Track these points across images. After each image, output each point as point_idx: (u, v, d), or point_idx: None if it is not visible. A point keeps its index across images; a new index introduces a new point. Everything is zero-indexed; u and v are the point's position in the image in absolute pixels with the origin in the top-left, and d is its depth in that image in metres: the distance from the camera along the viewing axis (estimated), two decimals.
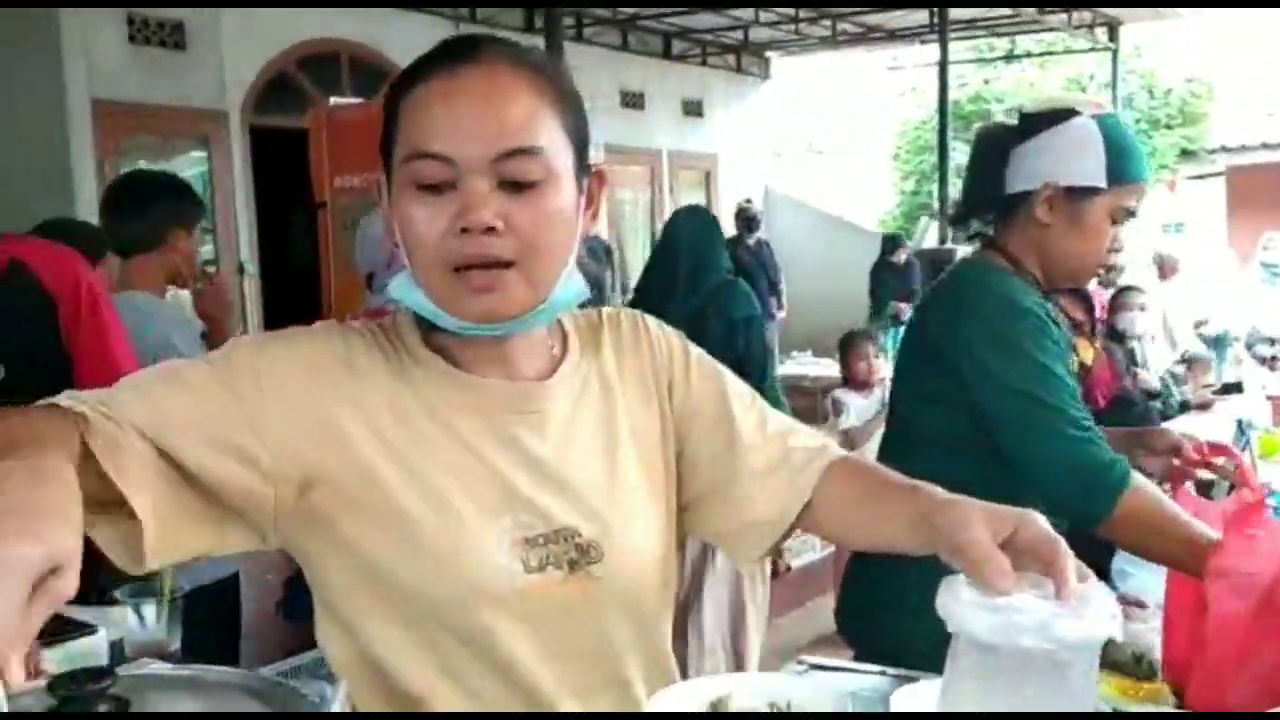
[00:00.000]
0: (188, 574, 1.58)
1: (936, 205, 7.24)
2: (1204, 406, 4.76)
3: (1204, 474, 1.81)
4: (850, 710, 0.89)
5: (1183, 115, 15.84)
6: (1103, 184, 1.63)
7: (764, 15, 9.99)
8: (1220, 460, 1.72)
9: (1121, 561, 1.76)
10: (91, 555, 0.84)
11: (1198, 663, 1.23)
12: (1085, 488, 1.54)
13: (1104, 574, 1.72)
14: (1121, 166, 1.64)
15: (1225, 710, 1.18)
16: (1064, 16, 10.43)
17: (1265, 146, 13.39)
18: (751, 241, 8.49)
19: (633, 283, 10.13)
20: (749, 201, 8.93)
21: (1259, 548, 1.23)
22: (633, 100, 10.39)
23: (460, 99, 0.93)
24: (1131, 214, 1.69)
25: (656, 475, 1.09)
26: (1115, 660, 1.31)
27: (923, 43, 11.26)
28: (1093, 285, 4.18)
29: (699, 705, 0.93)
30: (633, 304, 3.52)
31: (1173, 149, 15.31)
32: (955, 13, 9.60)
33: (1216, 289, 7.95)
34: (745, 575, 3.29)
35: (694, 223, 3.55)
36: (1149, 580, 1.63)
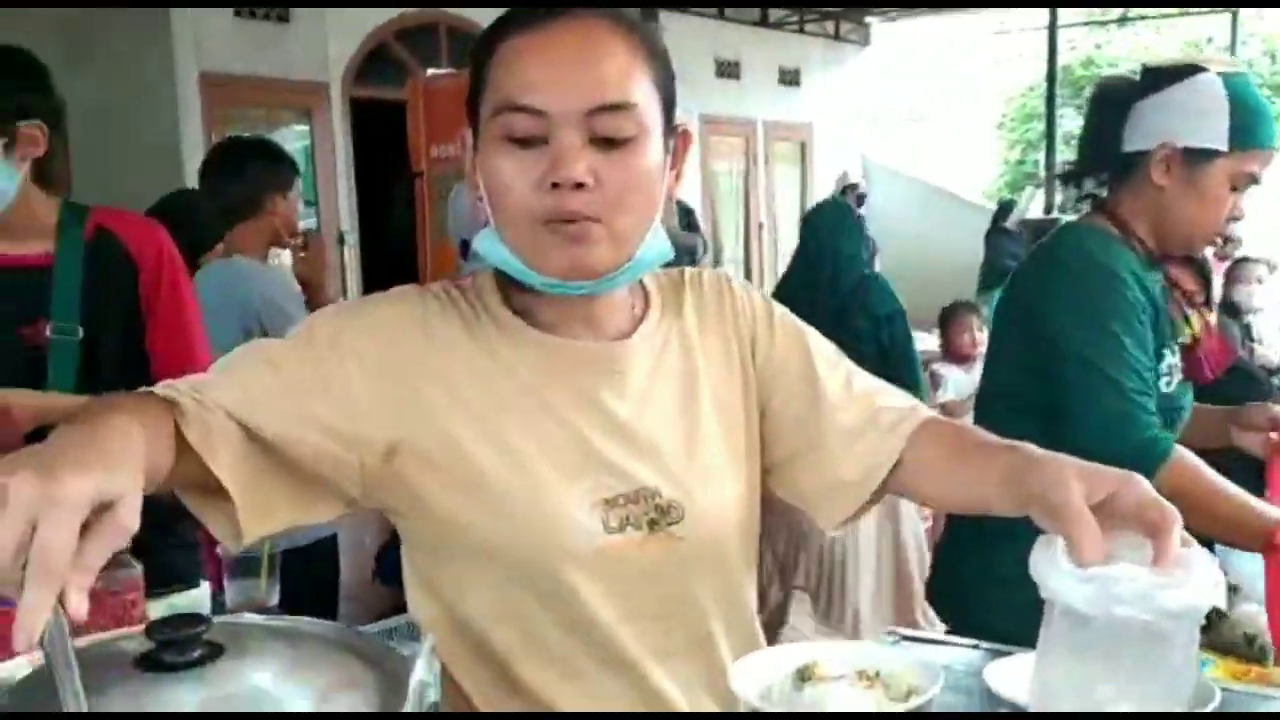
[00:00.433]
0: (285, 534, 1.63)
1: (1043, 175, 7.00)
2: None
3: None
4: (941, 682, 0.87)
5: None
6: (1224, 147, 1.55)
7: None
8: None
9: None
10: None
11: None
12: (1123, 461, 1.52)
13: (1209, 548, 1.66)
14: (1247, 130, 1.56)
15: None
16: None
17: None
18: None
19: (726, 254, 10.10)
20: (852, 178, 8.80)
21: None
22: (728, 69, 10.28)
23: (553, 52, 0.93)
24: (1255, 181, 1.60)
25: (738, 435, 1.08)
26: (1227, 641, 1.26)
27: (1031, 5, 10.87)
28: (1209, 255, 3.99)
29: (783, 673, 0.92)
30: (778, 297, 3.54)
31: None
32: None
33: None
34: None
35: (831, 220, 3.61)
36: (1245, 563, 1.57)
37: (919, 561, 3.48)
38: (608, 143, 0.93)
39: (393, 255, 7.12)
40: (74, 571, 0.61)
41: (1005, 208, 8.47)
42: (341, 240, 6.88)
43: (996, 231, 8.27)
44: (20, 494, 0.61)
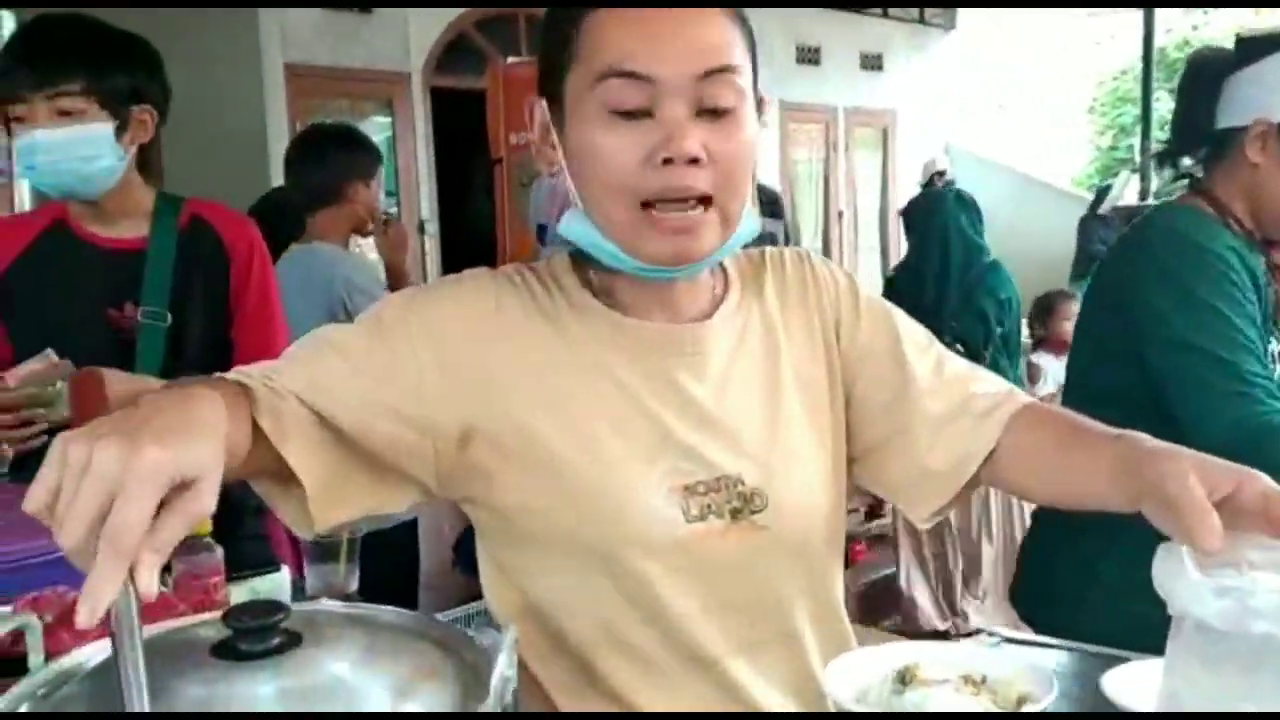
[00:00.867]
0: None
1: (1138, 160, 6.76)
2: None
3: None
4: (1056, 691, 0.81)
5: None
6: None
7: None
8: None
9: None
10: None
11: None
12: (1252, 451, 1.42)
13: None
14: None
15: None
16: None
17: None
18: None
19: (804, 243, 9.97)
20: (939, 165, 8.62)
21: None
22: (809, 55, 10.12)
23: (656, 15, 0.88)
24: None
25: (823, 420, 1.03)
26: None
27: None
28: None
29: (881, 675, 0.87)
30: (903, 283, 3.98)
31: None
32: None
33: None
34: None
35: (962, 210, 3.86)
36: None
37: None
38: (713, 114, 0.89)
39: (472, 244, 7.16)
40: (146, 550, 0.58)
41: (1102, 193, 8.23)
42: (422, 229, 6.93)
43: (1091, 218, 8.03)
44: (103, 463, 0.59)
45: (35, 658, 0.99)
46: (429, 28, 7.23)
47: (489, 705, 0.66)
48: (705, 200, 0.89)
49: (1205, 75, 1.60)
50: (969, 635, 3.95)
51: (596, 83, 0.88)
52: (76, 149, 1.62)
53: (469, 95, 6.49)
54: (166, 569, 0.98)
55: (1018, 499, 3.83)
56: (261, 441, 0.82)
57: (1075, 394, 1.71)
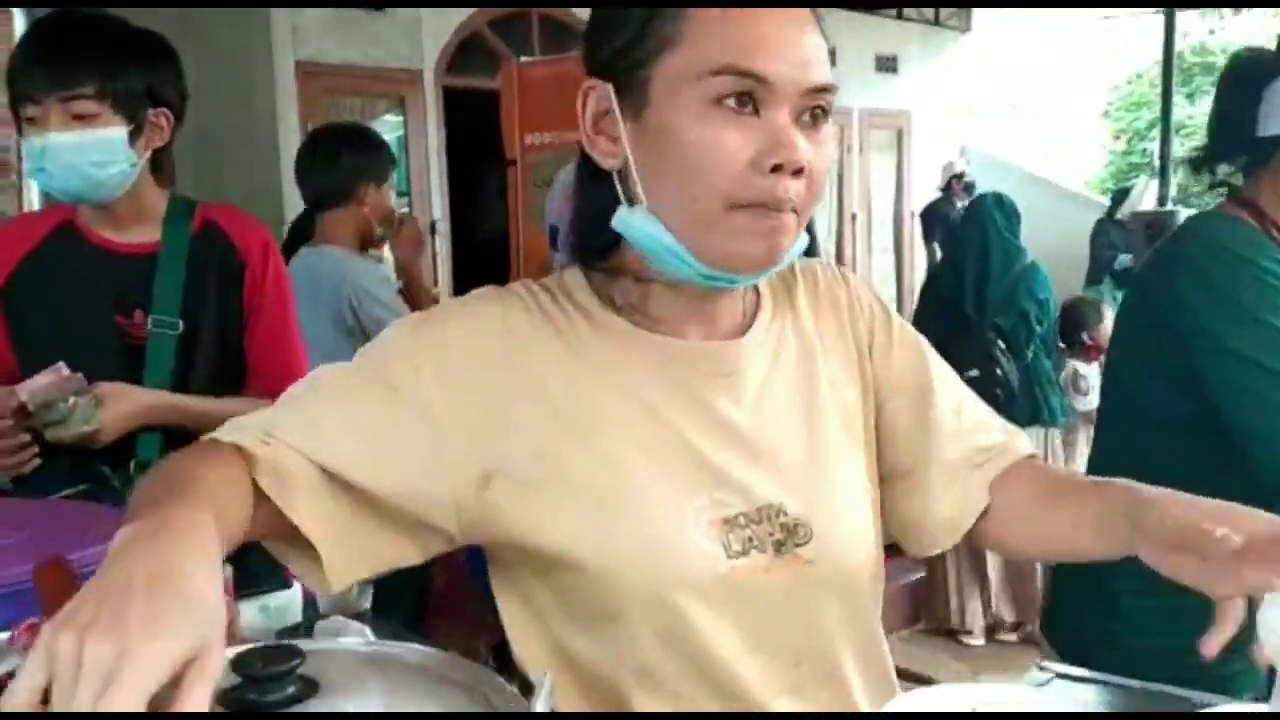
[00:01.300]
0: None
1: (1158, 164, 6.69)
2: None
3: None
4: None
5: None
6: None
7: None
8: None
9: None
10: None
11: None
12: None
13: None
14: None
15: None
16: None
17: None
18: (960, 205, 8.18)
19: (818, 245, 9.90)
20: (966, 164, 8.62)
21: None
22: None
23: (771, 16, 0.82)
24: None
25: (858, 443, 0.98)
26: None
27: None
28: None
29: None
30: (944, 283, 4.07)
31: None
32: None
33: None
34: None
35: (1000, 213, 3.93)
36: None
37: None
38: (813, 123, 0.84)
39: (484, 245, 7.11)
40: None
41: (1118, 197, 8.16)
42: (433, 230, 6.88)
43: (1107, 222, 7.96)
44: (96, 662, 0.54)
45: None
46: (442, 26, 7.18)
47: None
48: (794, 212, 0.84)
49: (1247, 79, 1.54)
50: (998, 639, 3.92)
51: (708, 76, 0.81)
52: (89, 154, 1.57)
53: (482, 95, 6.44)
54: None
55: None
56: (265, 502, 0.77)
57: (1118, 414, 1.65)
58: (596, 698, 0.89)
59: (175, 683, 0.56)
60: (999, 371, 3.78)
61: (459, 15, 7.24)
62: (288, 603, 1.53)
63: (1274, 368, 1.37)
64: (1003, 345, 3.78)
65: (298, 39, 6.49)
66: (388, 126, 7.02)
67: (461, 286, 7.27)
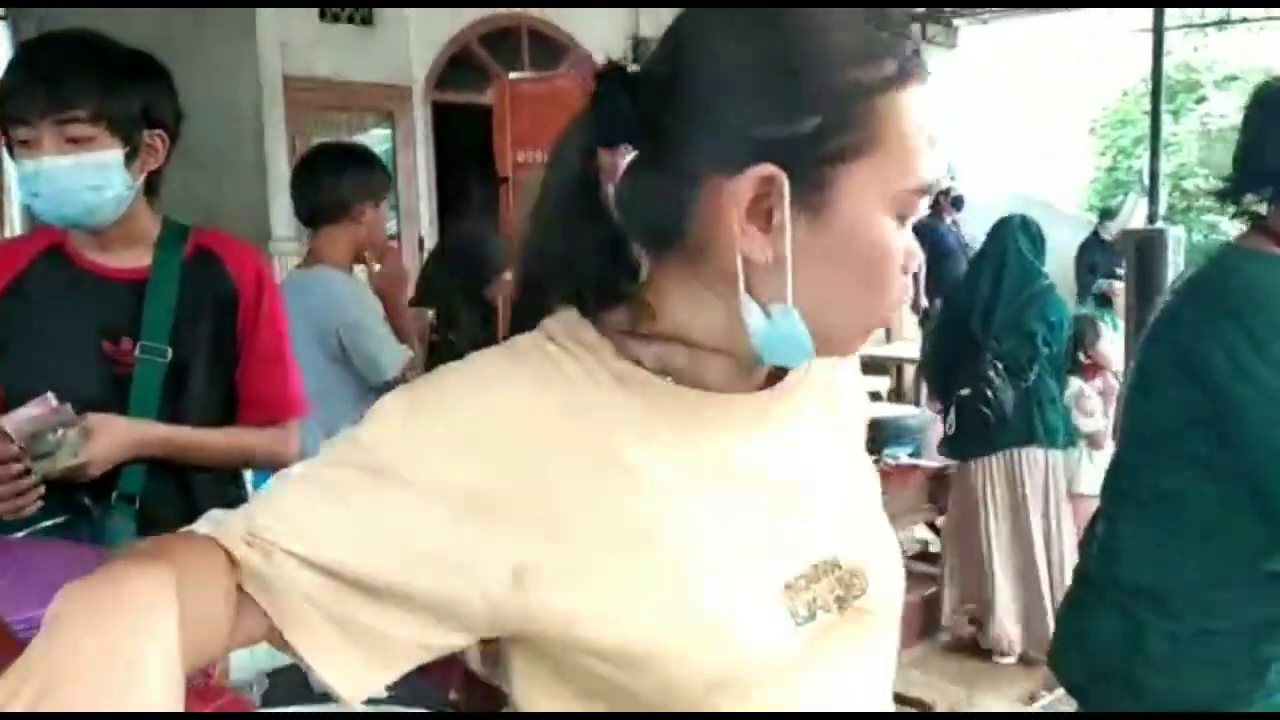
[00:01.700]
0: None
1: (1147, 181, 6.68)
2: None
3: None
4: None
5: None
6: None
7: None
8: None
9: None
10: None
11: None
12: None
13: None
14: None
15: None
16: None
17: None
18: (949, 220, 8.20)
19: None
20: (952, 180, 8.62)
21: None
22: None
23: (933, 120, 0.76)
24: None
25: (874, 474, 0.94)
26: None
27: (1127, 5, 10.46)
28: None
29: None
30: (956, 301, 4.09)
31: None
32: None
33: None
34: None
35: (1024, 235, 3.95)
36: None
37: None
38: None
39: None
40: None
41: (1105, 215, 8.17)
42: (421, 246, 6.83)
43: (1092, 242, 7.97)
44: None
45: None
46: (431, 41, 7.14)
47: None
48: None
49: (1273, 107, 1.53)
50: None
51: (912, 194, 0.75)
52: (85, 178, 1.51)
53: (471, 109, 6.40)
54: None
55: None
56: (252, 608, 0.69)
57: (1141, 450, 1.62)
58: None
59: None
60: (989, 392, 3.76)
61: (448, 30, 7.20)
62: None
63: None
64: (1000, 366, 3.76)
65: (286, 53, 6.43)
66: (375, 141, 6.96)
67: None
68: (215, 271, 1.66)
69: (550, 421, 0.75)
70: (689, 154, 0.74)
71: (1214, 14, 12.67)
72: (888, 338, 10.00)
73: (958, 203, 8.29)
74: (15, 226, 3.33)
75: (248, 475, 1.82)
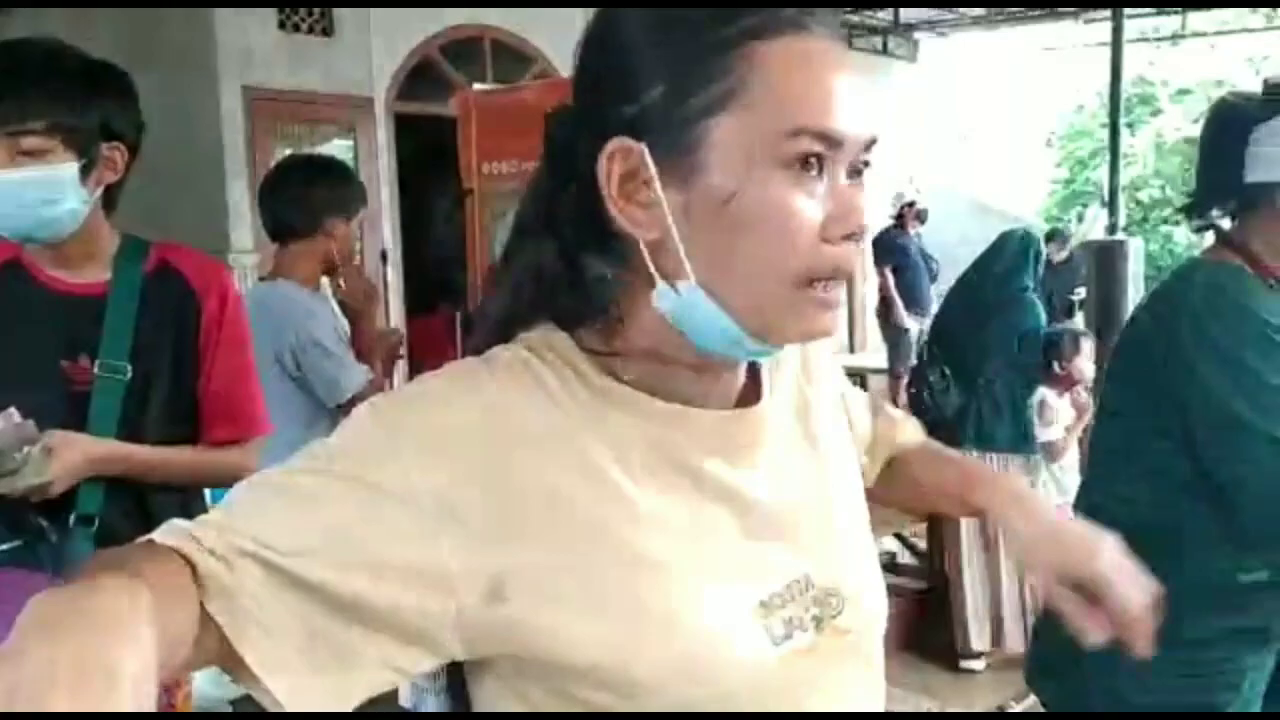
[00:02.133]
0: None
1: (1107, 193, 6.78)
2: None
3: None
4: None
5: None
6: None
7: None
8: None
9: None
10: None
11: None
12: None
13: None
14: None
15: None
16: None
17: None
18: (914, 233, 8.27)
19: None
20: (916, 192, 8.69)
21: None
22: None
23: (836, 69, 0.73)
24: None
25: (856, 482, 0.92)
26: None
27: (1086, 22, 10.64)
28: None
29: None
30: (940, 313, 4.13)
31: None
32: None
33: None
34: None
35: (1019, 248, 3.91)
36: None
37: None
38: (856, 178, 0.75)
39: (435, 274, 7.00)
40: None
41: (1050, 236, 8.24)
42: (384, 258, 6.77)
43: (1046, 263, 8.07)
44: None
45: None
46: (393, 52, 7.10)
47: None
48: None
49: (1230, 123, 1.54)
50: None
51: (788, 138, 0.71)
52: (38, 191, 1.47)
53: (433, 121, 6.36)
54: None
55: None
56: (210, 623, 0.65)
57: (1112, 460, 1.62)
58: None
59: None
60: (926, 396, 3.81)
61: (410, 40, 7.16)
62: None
63: (1257, 423, 1.37)
64: (946, 370, 3.79)
65: (245, 63, 6.36)
66: (337, 152, 6.89)
67: (415, 314, 7.14)
68: (177, 287, 1.62)
69: (527, 433, 0.74)
70: (580, 155, 0.75)
71: (1168, 28, 12.91)
72: (851, 348, 10.06)
73: (922, 216, 8.35)
74: None
75: (207, 493, 1.77)
